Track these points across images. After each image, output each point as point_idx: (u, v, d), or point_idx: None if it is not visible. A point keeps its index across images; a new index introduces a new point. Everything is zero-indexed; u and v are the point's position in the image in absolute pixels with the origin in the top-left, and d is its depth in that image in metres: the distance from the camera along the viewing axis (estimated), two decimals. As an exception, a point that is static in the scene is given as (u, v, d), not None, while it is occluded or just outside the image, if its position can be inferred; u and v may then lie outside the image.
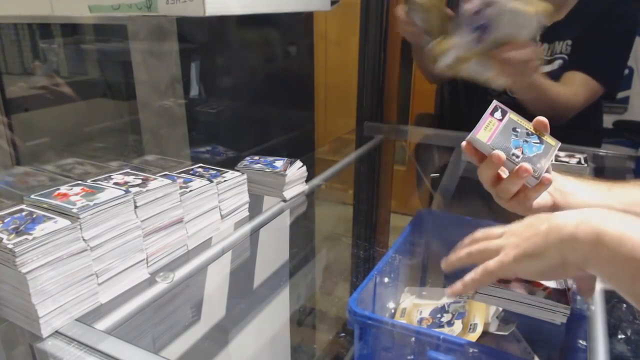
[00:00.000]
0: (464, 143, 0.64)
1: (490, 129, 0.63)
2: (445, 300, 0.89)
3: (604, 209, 0.48)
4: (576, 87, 1.13)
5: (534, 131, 0.64)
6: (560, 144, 0.65)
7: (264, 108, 1.76)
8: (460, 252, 0.59)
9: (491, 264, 0.54)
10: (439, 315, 0.85)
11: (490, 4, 0.97)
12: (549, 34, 1.18)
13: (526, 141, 0.63)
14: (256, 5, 0.75)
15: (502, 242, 0.55)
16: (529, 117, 0.67)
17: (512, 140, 0.62)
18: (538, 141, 0.63)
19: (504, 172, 0.63)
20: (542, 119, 0.64)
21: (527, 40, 0.96)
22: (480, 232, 0.59)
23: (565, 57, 1.18)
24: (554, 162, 0.92)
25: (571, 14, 1.21)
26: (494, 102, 0.65)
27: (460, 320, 0.81)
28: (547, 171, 0.63)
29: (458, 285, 0.57)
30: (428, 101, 1.91)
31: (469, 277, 0.56)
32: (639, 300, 0.45)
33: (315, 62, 2.13)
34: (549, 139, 0.64)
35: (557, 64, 1.18)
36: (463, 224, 0.96)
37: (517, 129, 0.63)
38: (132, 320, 0.60)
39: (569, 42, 1.19)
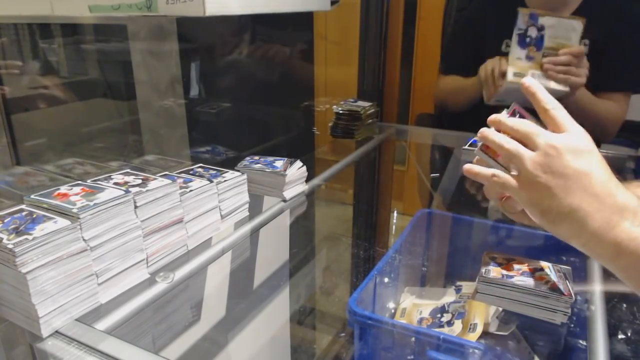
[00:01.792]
0: (470, 166, 0.62)
1: None
2: (445, 300, 0.89)
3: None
4: (619, 104, 1.26)
5: None
6: None
7: (264, 108, 1.76)
8: (495, 136, 0.56)
9: (510, 185, 0.53)
10: (439, 315, 0.85)
11: (540, 17, 1.11)
12: None
13: None
14: (256, 5, 0.75)
15: (531, 166, 0.51)
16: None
17: None
18: None
19: None
20: None
21: (575, 45, 1.11)
22: (523, 125, 0.54)
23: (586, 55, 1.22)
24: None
25: (580, 13, 1.23)
26: (514, 105, 0.63)
27: (460, 320, 0.81)
28: None
29: (475, 169, 0.57)
30: (428, 101, 1.91)
31: (489, 173, 0.55)
32: None
33: (315, 62, 2.13)
34: None
35: None
36: (463, 224, 0.96)
37: None
38: (132, 320, 0.60)
39: (586, 41, 1.22)
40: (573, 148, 0.50)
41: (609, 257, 0.48)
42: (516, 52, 1.13)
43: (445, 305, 0.86)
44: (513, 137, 0.54)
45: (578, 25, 1.09)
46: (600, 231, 0.47)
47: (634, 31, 1.24)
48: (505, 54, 1.31)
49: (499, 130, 0.56)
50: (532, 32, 1.12)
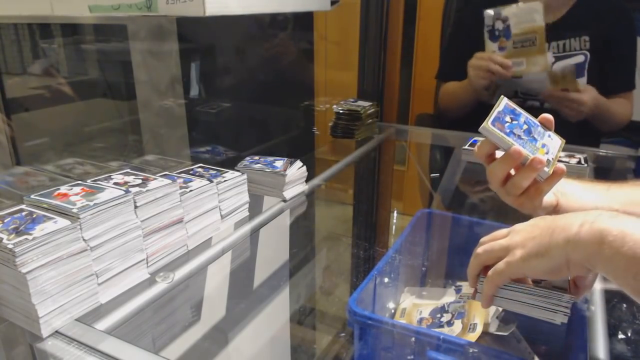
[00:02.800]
0: (477, 144, 0.64)
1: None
2: (445, 300, 0.88)
3: (607, 211, 0.49)
4: (628, 99, 1.31)
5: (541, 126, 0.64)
6: (565, 141, 0.65)
7: (264, 108, 1.76)
8: (471, 261, 0.59)
9: (500, 265, 0.54)
10: (438, 315, 0.85)
11: (501, 10, 1.20)
12: (558, 32, 1.26)
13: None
14: (256, 6, 0.75)
15: (507, 241, 0.55)
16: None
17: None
18: (548, 135, 0.63)
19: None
20: (548, 115, 0.64)
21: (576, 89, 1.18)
22: (486, 236, 0.59)
23: (587, 52, 1.26)
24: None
25: (576, 11, 1.25)
26: (502, 98, 0.64)
27: (460, 320, 0.81)
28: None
29: (480, 299, 0.58)
30: (428, 101, 1.92)
31: (483, 285, 0.57)
32: None
33: (315, 62, 2.13)
34: (556, 135, 0.64)
35: (579, 58, 1.27)
36: (463, 224, 0.96)
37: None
38: (132, 320, 0.60)
39: (586, 37, 1.25)
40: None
41: (595, 250, 0.47)
42: (490, 46, 1.24)
43: (445, 305, 0.86)
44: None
45: (537, 5, 1.17)
46: (581, 228, 0.48)
47: (631, 29, 1.27)
48: None
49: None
50: (499, 25, 1.21)
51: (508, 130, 0.60)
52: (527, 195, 0.63)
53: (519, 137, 0.61)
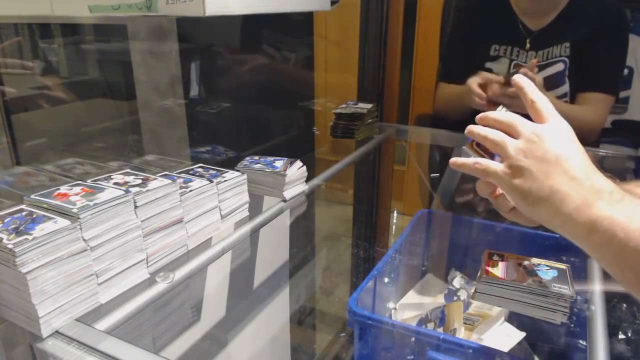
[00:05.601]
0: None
1: None
2: (429, 307, 0.88)
3: (612, 191, 0.49)
4: (596, 106, 1.21)
5: None
6: None
7: (264, 108, 1.76)
8: (480, 129, 0.58)
9: (492, 170, 0.55)
10: (423, 327, 0.85)
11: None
12: (544, 40, 1.23)
13: None
14: (256, 5, 0.75)
15: (514, 152, 0.53)
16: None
17: None
18: None
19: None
20: None
21: None
22: (506, 117, 0.57)
23: (566, 59, 1.21)
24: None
25: (562, 18, 1.23)
26: (501, 107, 0.64)
27: (441, 328, 0.81)
28: None
29: (459, 160, 0.60)
30: (428, 101, 1.91)
31: (472, 161, 0.57)
32: (628, 285, 0.47)
33: (315, 62, 2.13)
34: None
35: (559, 66, 1.21)
36: (463, 224, 0.96)
37: None
38: (132, 320, 0.60)
39: (567, 44, 1.21)
40: (554, 135, 0.53)
41: (583, 235, 0.49)
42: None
43: (428, 314, 0.86)
44: (498, 129, 0.57)
45: None
46: (576, 211, 0.49)
47: (617, 32, 1.22)
48: (495, 59, 1.30)
49: (485, 126, 0.59)
50: None
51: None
52: (514, 212, 0.60)
53: None
